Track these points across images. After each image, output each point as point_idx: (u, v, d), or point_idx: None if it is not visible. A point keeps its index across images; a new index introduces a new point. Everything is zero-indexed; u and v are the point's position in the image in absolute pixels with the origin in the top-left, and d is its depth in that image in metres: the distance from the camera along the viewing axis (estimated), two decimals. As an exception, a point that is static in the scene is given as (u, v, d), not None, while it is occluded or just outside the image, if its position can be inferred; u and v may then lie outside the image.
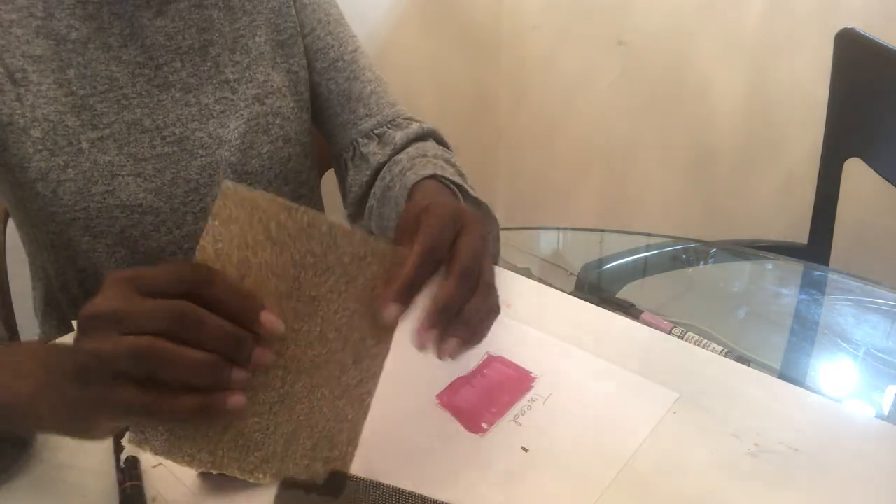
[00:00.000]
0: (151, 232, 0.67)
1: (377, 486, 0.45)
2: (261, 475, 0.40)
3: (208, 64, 0.69)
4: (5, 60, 0.61)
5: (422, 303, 0.43)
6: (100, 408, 0.37)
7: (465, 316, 0.44)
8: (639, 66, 1.60)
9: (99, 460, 0.48)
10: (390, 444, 0.50)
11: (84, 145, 0.63)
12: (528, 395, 0.55)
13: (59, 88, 0.63)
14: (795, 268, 0.88)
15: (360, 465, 0.48)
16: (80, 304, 0.42)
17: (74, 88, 0.63)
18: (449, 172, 0.64)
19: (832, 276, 0.86)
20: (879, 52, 0.96)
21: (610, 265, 0.89)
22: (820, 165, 1.06)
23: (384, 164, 0.72)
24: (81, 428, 0.39)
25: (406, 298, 0.42)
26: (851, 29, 1.00)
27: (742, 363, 0.59)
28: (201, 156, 0.68)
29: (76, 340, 0.37)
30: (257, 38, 0.72)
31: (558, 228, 1.05)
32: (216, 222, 0.38)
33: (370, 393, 0.44)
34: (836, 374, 0.67)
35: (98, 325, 0.36)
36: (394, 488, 0.45)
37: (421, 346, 0.42)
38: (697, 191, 1.65)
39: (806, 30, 1.41)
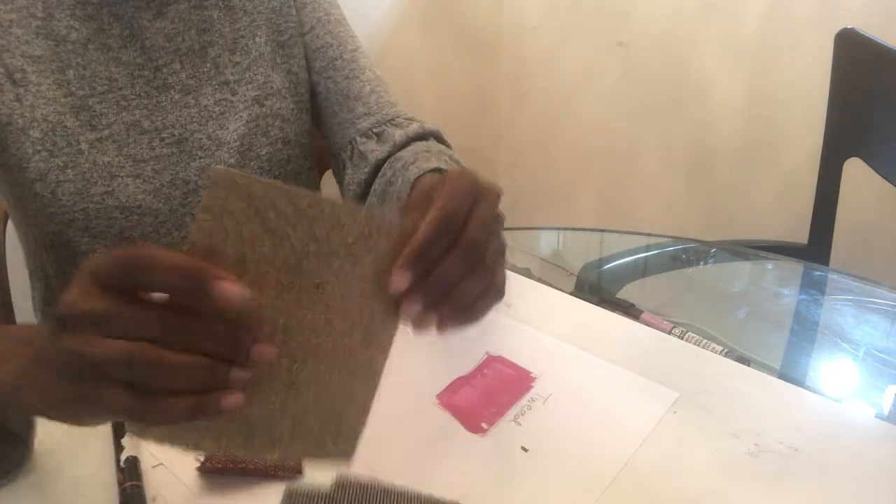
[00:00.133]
0: (150, 233, 0.67)
1: (373, 486, 0.45)
2: (267, 455, 0.39)
3: (208, 65, 0.69)
4: (5, 60, 0.61)
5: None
6: (88, 406, 0.36)
7: (460, 292, 0.41)
8: (639, 66, 1.60)
9: (99, 460, 0.48)
10: (390, 444, 0.50)
11: (83, 146, 0.63)
12: (528, 395, 0.55)
13: (58, 89, 0.63)
14: (795, 268, 0.88)
15: (360, 466, 0.48)
16: None
17: (74, 89, 0.63)
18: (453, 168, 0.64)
19: (832, 276, 0.86)
20: (879, 52, 0.96)
21: (610, 265, 0.88)
22: (820, 165, 1.06)
23: (383, 161, 0.71)
24: (71, 418, 0.38)
25: (416, 267, 0.39)
26: (851, 29, 1.00)
27: (742, 363, 0.59)
28: (200, 157, 0.68)
29: (56, 336, 0.35)
30: (257, 39, 0.72)
31: (558, 228, 1.05)
32: (207, 216, 0.35)
33: (379, 370, 0.42)
34: (836, 374, 0.67)
35: (77, 324, 0.34)
36: (385, 490, 0.45)
37: (396, 288, 0.39)
38: (697, 191, 1.65)
39: (806, 30, 1.41)
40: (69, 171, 0.63)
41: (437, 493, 0.46)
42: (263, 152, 0.71)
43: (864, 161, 1.01)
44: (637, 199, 1.72)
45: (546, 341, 0.61)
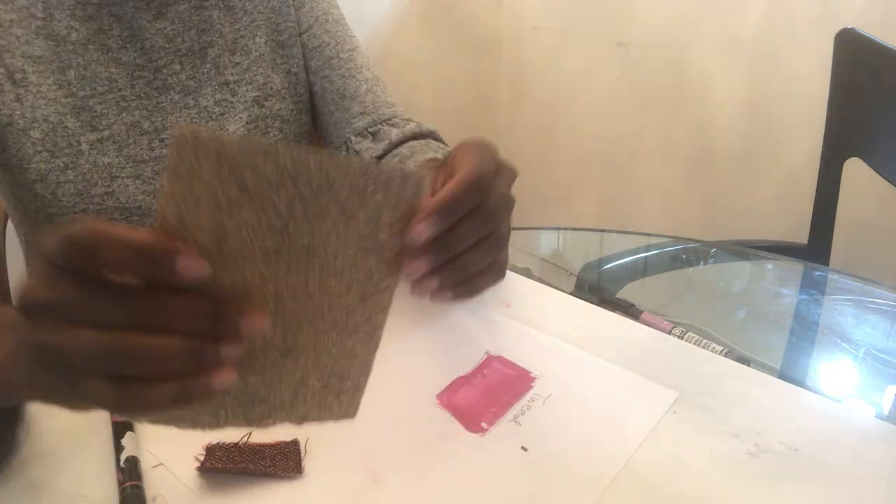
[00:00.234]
0: None
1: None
2: (270, 422, 0.38)
3: (207, 66, 0.69)
4: (5, 61, 0.61)
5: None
6: (72, 396, 0.34)
7: (468, 259, 0.40)
8: (639, 66, 1.60)
9: (99, 460, 0.48)
10: (390, 444, 0.50)
11: (84, 147, 0.63)
12: (528, 395, 0.55)
13: (58, 89, 0.63)
14: (795, 268, 0.88)
15: (360, 465, 0.48)
16: None
17: (74, 90, 0.63)
18: None
19: (832, 276, 0.86)
20: (879, 52, 0.96)
21: (610, 265, 0.88)
22: (820, 165, 1.06)
23: (379, 159, 0.71)
24: (63, 405, 0.35)
25: (442, 220, 0.37)
26: (851, 29, 1.00)
27: (742, 363, 0.59)
28: None
29: (24, 326, 0.32)
30: (257, 39, 0.72)
31: (558, 228, 1.05)
32: (175, 182, 0.30)
33: (380, 325, 0.40)
34: (836, 374, 0.67)
35: (41, 314, 0.32)
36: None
37: (419, 235, 0.38)
38: (697, 191, 1.65)
39: (806, 30, 1.41)
40: (69, 171, 0.63)
41: (437, 493, 0.46)
42: None
43: (864, 161, 1.01)
44: (637, 199, 1.72)
45: (546, 341, 0.61)
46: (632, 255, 0.91)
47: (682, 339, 0.62)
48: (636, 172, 1.70)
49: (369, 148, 0.72)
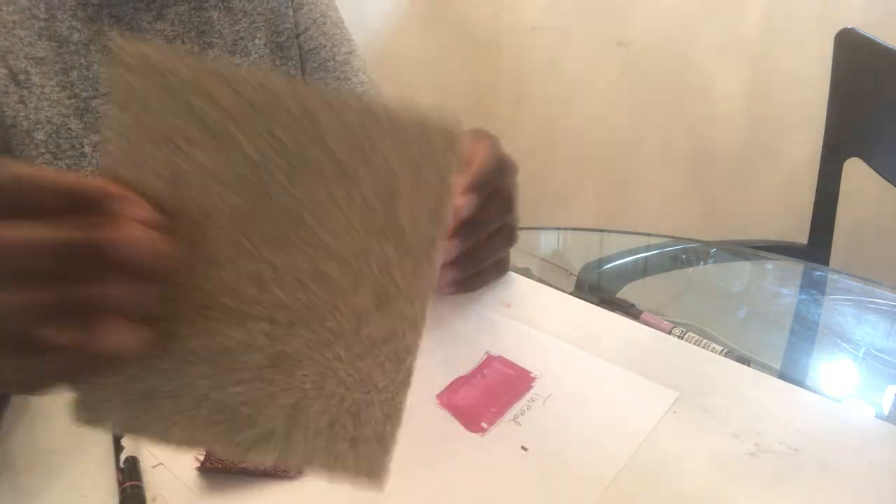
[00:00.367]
0: None
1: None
2: (261, 455, 0.30)
3: None
4: (9, 62, 0.61)
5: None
6: None
7: (480, 253, 0.40)
8: (639, 66, 1.60)
9: (99, 460, 0.48)
10: (390, 444, 0.50)
11: (87, 149, 0.63)
12: (528, 395, 0.55)
13: (62, 91, 0.63)
14: (795, 268, 0.88)
15: (360, 466, 0.48)
16: None
17: (77, 91, 0.63)
18: None
19: (832, 276, 0.86)
20: (879, 52, 0.96)
21: (610, 265, 0.88)
22: (820, 165, 1.06)
23: None
24: None
25: (475, 198, 0.33)
26: (851, 29, 1.00)
27: (742, 363, 0.59)
28: None
29: None
30: (257, 41, 0.72)
31: (558, 228, 1.05)
32: (115, 109, 0.25)
33: (411, 349, 0.30)
34: (836, 374, 0.67)
35: None
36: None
37: (462, 208, 0.34)
38: (697, 191, 1.65)
39: (806, 30, 1.41)
40: (73, 174, 0.63)
41: (437, 492, 0.46)
42: None
43: (864, 161, 1.01)
44: (637, 198, 1.72)
45: (546, 341, 0.61)
46: (632, 255, 0.91)
47: (682, 339, 0.62)
48: (636, 172, 1.70)
49: None
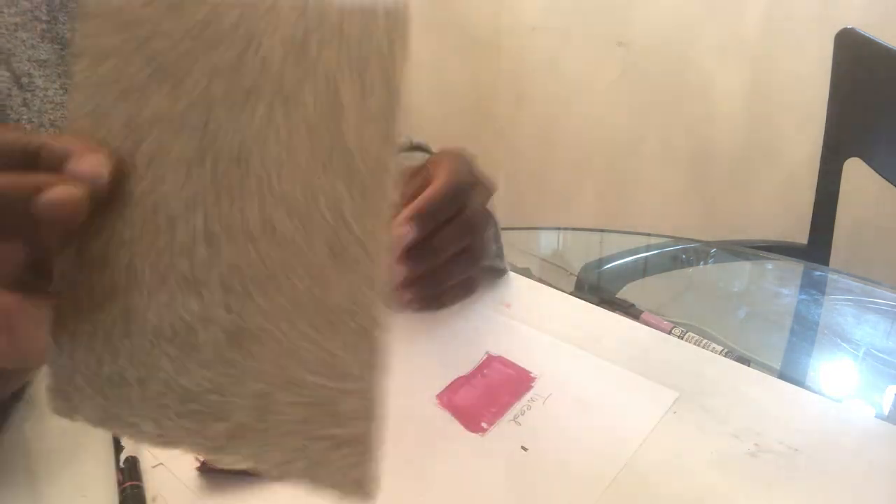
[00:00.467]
0: None
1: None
2: (232, 457, 0.27)
3: None
4: (12, 65, 0.61)
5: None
6: None
7: (439, 274, 0.39)
8: (639, 66, 1.60)
9: (98, 460, 0.48)
10: (390, 444, 0.50)
11: None
12: (528, 395, 0.55)
13: (65, 94, 0.63)
14: (795, 268, 0.88)
15: (360, 466, 0.48)
16: None
17: None
18: None
19: (832, 276, 0.86)
20: (879, 52, 0.96)
21: (610, 265, 0.88)
22: (820, 165, 1.06)
23: None
24: None
25: (421, 224, 0.33)
26: (851, 29, 1.00)
27: (742, 363, 0.59)
28: None
29: None
30: None
31: (558, 228, 1.05)
32: (81, 63, 0.25)
33: (376, 319, 0.25)
34: (836, 374, 0.67)
35: None
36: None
37: (401, 236, 0.33)
38: (697, 191, 1.65)
39: (806, 30, 1.41)
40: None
41: (437, 492, 0.46)
42: None
43: (864, 161, 1.01)
44: (637, 198, 1.72)
45: (546, 341, 0.61)
46: (632, 255, 0.91)
47: (682, 339, 0.62)
48: (636, 172, 1.70)
49: None
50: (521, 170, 1.85)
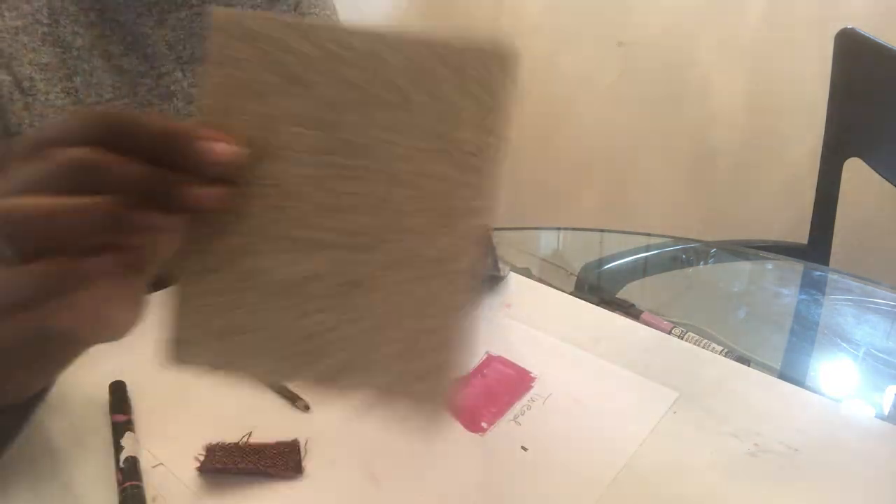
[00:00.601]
0: None
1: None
2: (345, 383, 0.32)
3: None
4: (14, 69, 0.61)
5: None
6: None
7: None
8: (639, 66, 1.60)
9: (99, 460, 0.48)
10: (390, 443, 0.50)
11: None
12: (528, 395, 0.55)
13: (66, 97, 0.62)
14: (795, 268, 0.88)
15: (359, 465, 0.48)
16: None
17: (81, 97, 0.63)
18: None
19: (832, 276, 0.86)
20: (879, 52, 0.96)
21: (610, 265, 0.88)
22: (820, 165, 1.06)
23: None
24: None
25: None
26: (851, 29, 1.00)
27: (742, 363, 0.59)
28: None
29: None
30: None
31: (558, 228, 1.04)
32: (214, 68, 0.30)
33: (473, 270, 0.32)
34: (836, 374, 0.67)
35: None
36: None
37: None
38: (698, 191, 1.65)
39: (806, 30, 1.41)
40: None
41: (437, 493, 0.46)
42: None
43: (864, 161, 1.01)
44: (637, 199, 1.72)
45: (546, 341, 0.61)
46: (632, 255, 0.91)
47: (682, 339, 0.62)
48: (636, 172, 1.70)
49: None
50: (521, 170, 1.85)
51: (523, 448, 0.50)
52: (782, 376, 0.57)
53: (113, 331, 0.34)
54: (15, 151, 0.30)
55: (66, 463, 0.48)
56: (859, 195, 1.17)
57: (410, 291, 0.32)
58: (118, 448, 0.48)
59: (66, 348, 0.37)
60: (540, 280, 0.72)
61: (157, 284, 0.36)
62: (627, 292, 0.81)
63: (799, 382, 0.57)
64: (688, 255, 0.91)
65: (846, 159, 1.03)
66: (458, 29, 0.31)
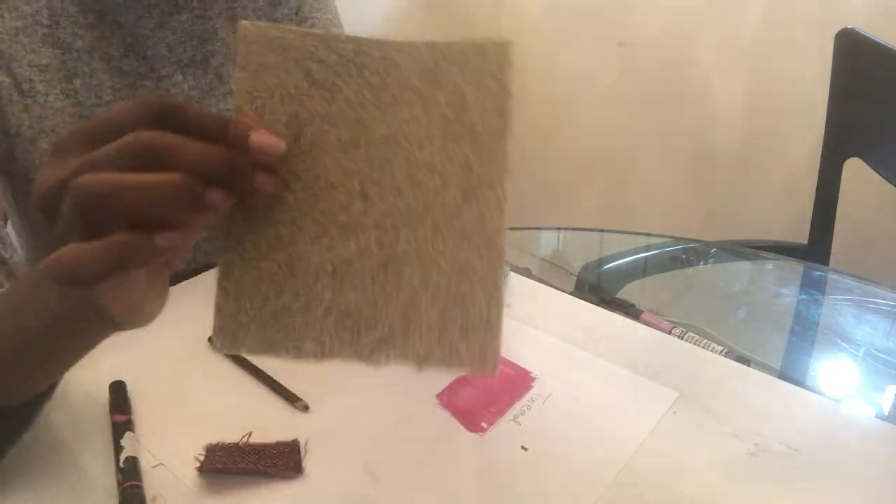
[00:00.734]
0: None
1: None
2: (382, 357, 0.35)
3: (210, 76, 0.69)
4: (13, 70, 0.61)
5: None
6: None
7: None
8: (639, 66, 1.60)
9: (99, 460, 0.48)
10: (390, 444, 0.50)
11: None
12: (528, 395, 0.55)
13: (65, 99, 0.62)
14: (795, 268, 0.88)
15: (359, 465, 0.48)
16: None
17: (81, 98, 0.63)
18: None
19: (832, 276, 0.86)
20: (879, 52, 0.96)
21: (610, 265, 0.88)
22: (820, 165, 1.06)
23: None
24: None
25: None
26: (851, 29, 1.00)
27: (742, 363, 0.59)
28: None
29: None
30: None
31: (558, 228, 1.04)
32: (245, 74, 0.33)
33: (499, 230, 0.35)
34: (836, 374, 0.67)
35: (56, 198, 0.30)
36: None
37: None
38: (698, 191, 1.65)
39: (806, 30, 1.41)
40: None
41: (437, 493, 0.46)
42: None
43: (864, 161, 1.01)
44: (637, 199, 1.72)
45: (546, 341, 0.61)
46: (632, 255, 0.91)
47: (682, 339, 0.62)
48: (636, 172, 1.70)
49: None
50: (521, 170, 1.85)
51: (523, 448, 0.50)
52: (782, 376, 0.57)
53: (144, 317, 0.36)
54: (75, 133, 0.32)
55: (67, 463, 0.48)
56: (859, 195, 1.17)
57: (443, 262, 0.35)
58: (118, 448, 0.48)
59: (97, 333, 0.39)
60: (540, 280, 0.72)
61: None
62: (627, 292, 0.81)
63: (799, 382, 0.57)
64: (688, 255, 0.91)
65: (846, 159, 1.03)
66: (459, 34, 0.34)
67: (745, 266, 0.92)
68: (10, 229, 0.80)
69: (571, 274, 0.82)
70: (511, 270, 0.71)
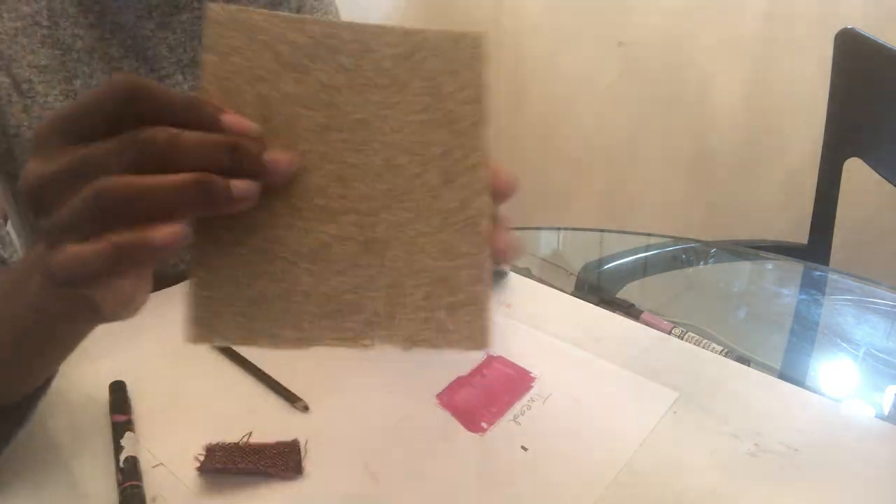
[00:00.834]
0: None
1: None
2: (367, 341, 0.34)
3: None
4: (13, 71, 0.61)
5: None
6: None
7: None
8: (639, 66, 1.60)
9: (99, 460, 0.48)
10: (390, 444, 0.50)
11: None
12: (528, 395, 0.55)
13: (65, 99, 0.62)
14: (795, 268, 0.88)
15: (359, 465, 0.48)
16: None
17: None
18: None
19: (832, 276, 0.86)
20: (879, 52, 0.96)
21: (610, 265, 0.88)
22: (820, 165, 1.06)
23: None
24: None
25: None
26: (851, 29, 1.00)
27: (742, 363, 0.59)
28: None
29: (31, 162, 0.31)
30: None
31: (558, 228, 1.05)
32: (213, 56, 0.32)
33: (482, 214, 0.35)
34: (836, 374, 0.67)
35: (51, 192, 0.30)
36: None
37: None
38: (698, 191, 1.65)
39: (806, 30, 1.41)
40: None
41: (437, 493, 0.46)
42: None
43: (864, 161, 1.01)
44: (637, 198, 1.72)
45: (546, 341, 0.61)
46: (632, 255, 0.91)
47: (682, 339, 0.62)
48: (636, 172, 1.70)
49: None
50: (521, 170, 1.85)
51: (523, 448, 0.50)
52: (782, 376, 0.57)
53: (130, 310, 0.35)
54: (56, 123, 0.31)
55: (67, 463, 0.48)
56: (859, 195, 1.17)
57: (425, 243, 0.35)
58: (118, 448, 0.48)
59: (86, 327, 0.38)
60: (540, 280, 0.72)
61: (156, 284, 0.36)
62: (627, 292, 0.81)
63: (799, 382, 0.57)
64: (688, 255, 0.91)
65: (846, 159, 1.03)
66: (436, 24, 0.34)
67: (745, 266, 0.92)
68: (10, 229, 0.80)
69: (571, 274, 0.82)
70: (511, 270, 0.71)
